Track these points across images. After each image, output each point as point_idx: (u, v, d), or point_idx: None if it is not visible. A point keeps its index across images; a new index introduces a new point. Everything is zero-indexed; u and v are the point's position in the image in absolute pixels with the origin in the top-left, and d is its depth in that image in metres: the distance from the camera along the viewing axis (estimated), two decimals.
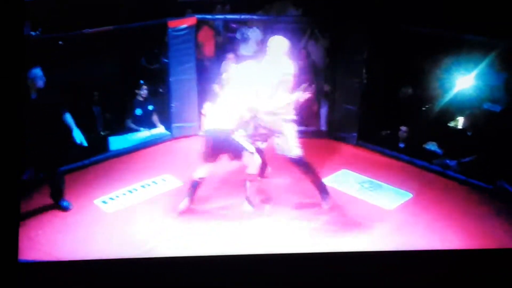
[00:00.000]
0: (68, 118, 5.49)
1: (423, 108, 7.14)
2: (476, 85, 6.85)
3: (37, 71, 5.38)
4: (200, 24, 7.52)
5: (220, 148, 5.53)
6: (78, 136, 5.43)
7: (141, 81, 7.25)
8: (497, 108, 6.86)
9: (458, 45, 6.81)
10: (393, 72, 7.40)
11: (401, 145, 7.06)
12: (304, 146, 7.10)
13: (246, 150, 5.54)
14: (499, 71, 6.86)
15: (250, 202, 5.75)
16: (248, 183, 5.72)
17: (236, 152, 5.53)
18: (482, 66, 6.60)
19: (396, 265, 4.85)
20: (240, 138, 5.63)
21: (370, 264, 4.86)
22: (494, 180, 6.17)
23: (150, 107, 7.32)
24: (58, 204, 5.64)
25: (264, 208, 5.81)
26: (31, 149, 5.20)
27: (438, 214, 5.74)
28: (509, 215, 5.75)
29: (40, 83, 5.39)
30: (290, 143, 5.68)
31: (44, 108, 5.35)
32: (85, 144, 5.46)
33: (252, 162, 5.59)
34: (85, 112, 7.01)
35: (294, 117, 5.73)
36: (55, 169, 5.59)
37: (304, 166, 5.74)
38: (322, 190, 5.81)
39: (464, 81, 6.88)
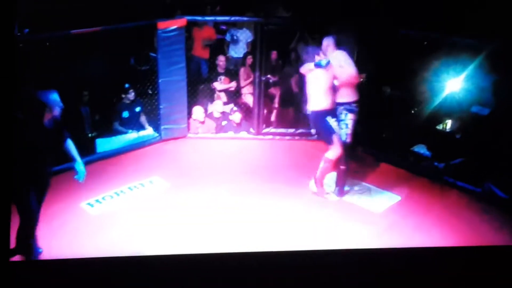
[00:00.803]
0: (70, 145, 4.98)
1: (412, 111, 7.13)
2: (464, 88, 6.84)
3: (56, 97, 4.78)
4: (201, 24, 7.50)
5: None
6: (80, 170, 4.94)
7: (127, 85, 7.15)
8: (485, 111, 6.85)
9: (446, 47, 6.80)
10: (382, 74, 7.38)
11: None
12: (294, 147, 7.25)
13: (336, 134, 5.78)
14: (487, 73, 6.85)
15: (316, 183, 5.99)
16: (322, 164, 5.90)
17: (325, 133, 5.80)
18: (471, 68, 6.58)
19: (384, 263, 4.79)
20: (333, 121, 5.81)
21: (358, 262, 4.80)
22: (482, 183, 6.15)
23: (138, 109, 7.24)
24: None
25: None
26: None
27: (426, 217, 5.72)
28: (497, 217, 5.73)
29: (58, 111, 4.78)
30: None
31: (51, 132, 4.81)
32: (81, 179, 4.98)
33: (336, 148, 5.78)
34: (73, 113, 6.88)
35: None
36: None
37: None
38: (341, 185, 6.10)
39: (452, 84, 6.87)
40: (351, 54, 6.89)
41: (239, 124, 7.45)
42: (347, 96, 5.86)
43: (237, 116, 7.43)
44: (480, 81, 6.83)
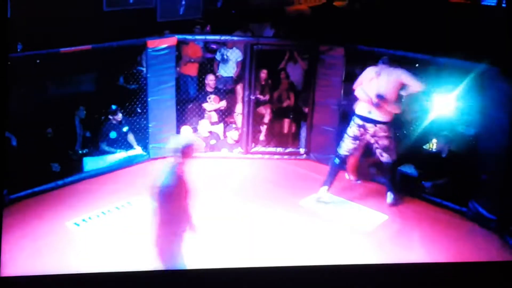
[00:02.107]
0: None
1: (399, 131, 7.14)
2: (451, 108, 6.87)
3: None
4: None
5: None
6: None
7: (114, 107, 7.08)
8: (471, 131, 6.87)
9: (434, 68, 6.84)
10: None
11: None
12: (283, 166, 7.22)
13: None
14: (474, 94, 6.88)
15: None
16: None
17: None
18: (457, 89, 6.61)
19: (372, 279, 4.85)
20: None
21: (346, 278, 4.84)
22: (467, 202, 6.18)
23: (125, 129, 7.17)
24: None
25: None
26: None
27: (413, 235, 5.76)
28: (482, 236, 5.80)
29: None
30: None
31: None
32: None
33: None
34: (63, 130, 6.87)
35: None
36: None
37: None
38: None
39: (440, 104, 6.89)
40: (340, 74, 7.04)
41: (237, 141, 7.43)
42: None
43: (234, 133, 7.40)
44: (467, 101, 6.88)
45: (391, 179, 6.39)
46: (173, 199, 4.11)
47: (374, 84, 6.06)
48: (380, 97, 5.97)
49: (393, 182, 6.40)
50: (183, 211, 4.23)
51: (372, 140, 6.17)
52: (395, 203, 6.32)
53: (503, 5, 8.86)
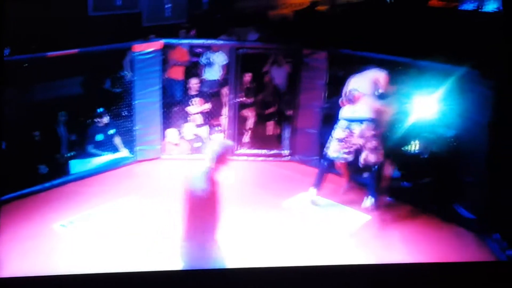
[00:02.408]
0: None
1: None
2: (432, 110, 7.00)
3: None
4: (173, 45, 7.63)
5: None
6: None
7: (100, 109, 7.13)
8: (451, 133, 7.01)
9: (415, 71, 6.96)
10: None
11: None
12: (267, 168, 7.32)
13: None
14: (454, 97, 7.03)
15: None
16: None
17: None
18: (438, 91, 6.74)
19: (356, 279, 4.90)
20: None
21: (329, 278, 4.91)
22: (448, 203, 6.30)
23: (112, 131, 7.22)
24: None
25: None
26: None
27: (395, 235, 5.86)
28: (462, 237, 5.90)
29: None
30: None
31: None
32: None
33: None
34: (50, 133, 6.91)
35: None
36: None
37: None
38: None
39: (420, 106, 7.02)
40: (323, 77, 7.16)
41: None
42: None
43: (220, 136, 7.50)
44: (447, 103, 7.03)
45: (374, 183, 6.32)
46: (205, 204, 4.10)
47: (352, 83, 6.20)
48: (354, 90, 6.07)
49: (376, 186, 6.33)
50: (214, 217, 4.18)
51: (360, 142, 6.18)
52: (373, 208, 6.24)
53: (481, 10, 9.09)
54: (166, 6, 8.57)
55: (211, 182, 4.08)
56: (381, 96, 6.20)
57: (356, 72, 6.30)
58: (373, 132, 6.11)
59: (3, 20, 5.50)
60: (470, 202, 6.15)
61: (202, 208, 4.09)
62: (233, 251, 5.29)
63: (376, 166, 6.23)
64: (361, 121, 6.08)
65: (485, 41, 6.92)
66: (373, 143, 6.14)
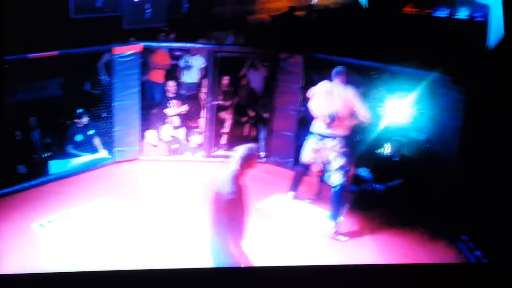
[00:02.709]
0: None
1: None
2: (403, 114, 7.17)
3: None
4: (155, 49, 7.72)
5: None
6: None
7: (80, 110, 7.20)
8: (422, 136, 7.21)
9: (387, 76, 7.17)
10: None
11: None
12: None
13: None
14: (426, 101, 7.22)
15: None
16: None
17: None
18: (410, 96, 6.90)
19: (329, 279, 4.99)
20: None
21: (302, 278, 4.99)
22: (418, 204, 6.44)
23: (91, 132, 7.31)
24: None
25: None
26: None
27: (366, 235, 6.02)
28: (429, 237, 6.07)
29: None
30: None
31: None
32: None
33: None
34: (23, 138, 6.92)
35: None
36: None
37: None
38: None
39: (393, 110, 7.20)
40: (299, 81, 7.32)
41: (200, 145, 7.66)
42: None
43: (198, 138, 7.64)
44: (419, 108, 7.22)
45: (335, 205, 6.07)
46: (233, 207, 4.07)
47: (326, 102, 6.05)
48: (332, 117, 5.99)
49: (337, 208, 6.06)
50: (241, 220, 4.18)
51: (330, 155, 6.08)
52: (336, 234, 6.02)
53: (454, 17, 9.31)
54: (147, 9, 8.67)
55: (237, 185, 4.08)
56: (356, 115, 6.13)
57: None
58: (344, 149, 6.08)
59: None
60: (439, 204, 6.28)
61: (227, 211, 4.06)
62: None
63: (339, 187, 6.05)
64: (334, 137, 6.07)
65: (457, 47, 7.12)
66: (341, 161, 6.05)
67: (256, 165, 4.18)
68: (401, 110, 7.10)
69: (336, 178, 6.05)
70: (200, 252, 5.31)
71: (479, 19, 8.25)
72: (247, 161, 4.08)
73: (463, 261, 5.71)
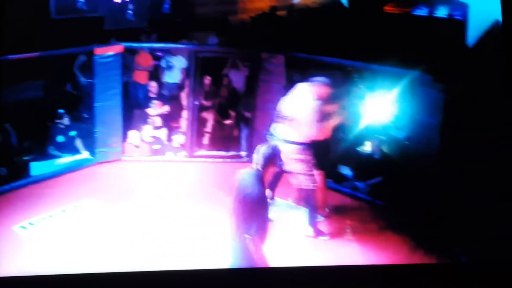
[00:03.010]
0: None
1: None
2: (384, 112, 7.22)
3: None
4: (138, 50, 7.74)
5: None
6: None
7: (61, 110, 7.19)
8: (403, 135, 7.28)
9: (368, 74, 7.18)
10: None
11: None
12: (224, 169, 7.37)
13: None
14: (406, 100, 7.28)
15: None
16: None
17: None
18: (390, 94, 6.94)
19: (310, 281, 5.11)
20: None
21: (282, 280, 5.05)
22: (399, 201, 6.50)
23: (73, 133, 7.27)
24: None
25: None
26: None
27: (348, 235, 6.02)
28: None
29: None
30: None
31: None
32: None
33: None
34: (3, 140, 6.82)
35: None
36: None
37: None
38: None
39: (373, 109, 7.25)
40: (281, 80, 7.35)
41: (182, 145, 7.66)
42: None
43: (181, 138, 7.63)
44: (399, 106, 7.28)
45: (309, 211, 6.01)
46: (261, 207, 4.08)
47: (291, 103, 5.92)
48: (288, 116, 5.86)
49: (311, 214, 6.00)
50: (267, 219, 4.17)
51: (290, 159, 5.88)
52: (314, 235, 5.99)
53: (434, 15, 9.36)
54: (128, 10, 8.63)
55: (263, 185, 4.09)
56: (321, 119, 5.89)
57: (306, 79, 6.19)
58: (301, 157, 5.88)
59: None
60: (419, 201, 6.32)
61: (256, 211, 4.06)
62: (194, 249, 5.53)
63: (307, 190, 5.94)
64: (291, 142, 5.89)
65: (437, 46, 7.18)
66: (302, 167, 5.88)
67: (278, 163, 4.23)
68: (381, 108, 7.11)
69: (302, 182, 5.95)
70: (187, 253, 5.47)
71: (458, 17, 8.31)
72: (270, 160, 4.13)
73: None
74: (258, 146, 4.24)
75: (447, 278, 5.22)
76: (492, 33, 6.00)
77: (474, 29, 6.44)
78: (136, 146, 7.51)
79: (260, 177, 4.09)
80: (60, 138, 7.16)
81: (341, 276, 5.13)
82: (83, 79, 7.51)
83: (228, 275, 4.88)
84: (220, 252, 5.38)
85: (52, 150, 7.14)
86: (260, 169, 4.11)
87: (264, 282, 4.91)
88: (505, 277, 5.10)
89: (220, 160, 7.66)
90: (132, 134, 7.52)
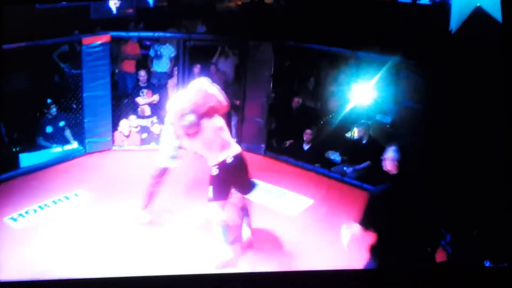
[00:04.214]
0: None
1: (323, 120, 7.44)
2: (369, 98, 7.20)
3: None
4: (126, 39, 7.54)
5: None
6: None
7: (49, 100, 7.02)
8: (388, 119, 7.24)
9: (354, 61, 7.17)
10: (296, 87, 7.66)
11: (305, 147, 7.30)
12: None
13: None
14: (390, 85, 7.24)
15: None
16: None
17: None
18: (375, 81, 6.92)
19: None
20: None
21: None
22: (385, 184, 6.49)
23: (61, 124, 7.12)
24: None
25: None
26: None
27: (337, 218, 5.90)
28: None
29: None
30: None
31: None
32: None
33: None
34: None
35: None
36: None
37: None
38: None
39: (359, 95, 7.21)
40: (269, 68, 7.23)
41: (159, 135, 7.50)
42: None
43: (157, 128, 7.47)
44: (384, 92, 7.24)
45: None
46: None
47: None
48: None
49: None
50: None
51: None
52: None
53: (418, 2, 9.29)
54: None
55: None
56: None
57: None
58: None
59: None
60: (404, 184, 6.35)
61: None
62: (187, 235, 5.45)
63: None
64: None
65: (420, 31, 7.13)
66: None
67: None
68: (366, 94, 7.14)
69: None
70: (172, 246, 5.34)
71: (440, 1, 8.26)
72: None
73: None
74: None
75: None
76: (475, 17, 5.97)
77: (457, 14, 6.41)
78: (126, 136, 7.36)
79: None
80: (48, 129, 7.01)
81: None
82: (68, 69, 7.30)
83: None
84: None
85: (41, 141, 6.98)
86: None
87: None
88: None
89: None
90: (123, 122, 7.37)
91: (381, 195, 4.18)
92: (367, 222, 4.07)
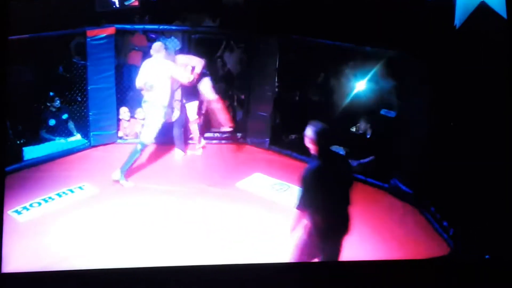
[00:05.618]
0: None
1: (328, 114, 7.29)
2: (374, 92, 7.04)
3: None
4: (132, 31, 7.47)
5: None
6: None
7: (51, 93, 6.84)
8: (392, 114, 7.10)
9: (359, 56, 6.99)
10: (301, 81, 7.51)
11: None
12: (220, 150, 7.22)
13: None
14: (393, 80, 7.10)
15: None
16: None
17: None
18: (378, 74, 6.80)
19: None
20: None
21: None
22: (389, 179, 6.44)
23: (64, 116, 6.95)
24: None
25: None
26: None
27: None
28: (401, 209, 6.09)
29: None
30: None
31: None
32: None
33: None
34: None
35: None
36: None
37: None
38: None
39: (363, 89, 7.05)
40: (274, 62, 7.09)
41: None
42: None
43: None
44: (387, 87, 7.09)
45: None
46: None
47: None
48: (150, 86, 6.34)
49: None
50: None
51: None
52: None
53: None
54: None
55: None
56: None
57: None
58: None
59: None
60: (408, 177, 6.27)
61: None
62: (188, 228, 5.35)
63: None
64: None
65: (425, 27, 7.00)
66: None
67: None
68: (370, 88, 6.97)
69: None
70: (179, 237, 5.25)
71: None
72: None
73: (430, 231, 5.69)
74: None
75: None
76: (479, 13, 5.84)
77: (461, 9, 6.29)
78: (128, 121, 7.20)
79: None
80: (51, 122, 6.84)
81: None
82: (78, 60, 7.12)
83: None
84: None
85: (44, 134, 6.82)
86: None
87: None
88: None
89: (215, 141, 7.41)
90: (123, 109, 7.20)
91: (312, 173, 4.30)
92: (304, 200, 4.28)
